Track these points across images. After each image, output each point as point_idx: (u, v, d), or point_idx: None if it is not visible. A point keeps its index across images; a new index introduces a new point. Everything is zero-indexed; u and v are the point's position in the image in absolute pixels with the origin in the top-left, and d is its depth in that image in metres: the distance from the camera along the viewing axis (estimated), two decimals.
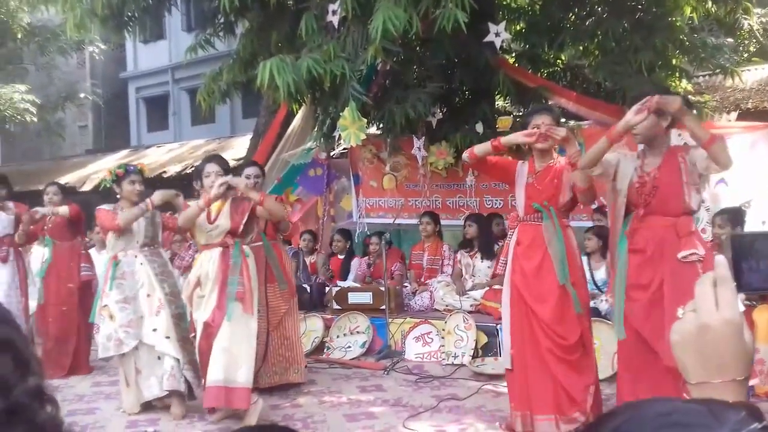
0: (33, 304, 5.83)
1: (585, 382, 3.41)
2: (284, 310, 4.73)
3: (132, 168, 4.49)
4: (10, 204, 5.67)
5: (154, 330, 4.20)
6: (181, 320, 4.30)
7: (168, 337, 4.19)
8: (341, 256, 7.03)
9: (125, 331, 4.18)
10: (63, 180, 12.44)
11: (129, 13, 6.35)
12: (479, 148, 3.59)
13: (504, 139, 3.55)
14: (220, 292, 3.93)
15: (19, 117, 12.76)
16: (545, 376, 3.42)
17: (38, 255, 6.21)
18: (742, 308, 0.76)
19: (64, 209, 5.53)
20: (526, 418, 3.47)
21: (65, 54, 13.43)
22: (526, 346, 3.49)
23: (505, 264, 3.73)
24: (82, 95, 14.99)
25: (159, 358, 4.22)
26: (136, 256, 4.35)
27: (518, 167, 3.67)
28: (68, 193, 5.95)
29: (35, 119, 13.09)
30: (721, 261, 0.77)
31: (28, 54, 13.55)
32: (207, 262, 4.01)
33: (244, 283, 3.96)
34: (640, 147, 3.32)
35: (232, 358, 3.85)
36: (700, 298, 0.76)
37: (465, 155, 3.66)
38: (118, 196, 4.47)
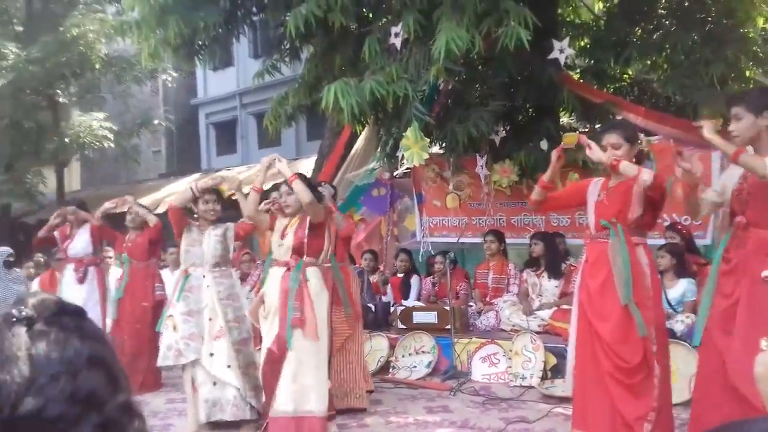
0: (109, 322, 6.08)
1: (643, 408, 3.25)
2: (347, 334, 4.71)
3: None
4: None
5: (211, 355, 4.21)
6: (245, 345, 4.30)
7: (229, 366, 4.19)
8: (401, 275, 7.04)
9: (186, 342, 4.21)
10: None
11: (200, 42, 6.61)
12: (535, 196, 3.64)
13: (545, 175, 3.60)
14: (281, 319, 3.90)
15: (97, 143, 13.41)
16: (603, 398, 3.31)
17: (115, 274, 6.49)
18: None
19: (152, 218, 5.78)
20: None
21: (140, 82, 14.04)
22: (588, 366, 3.40)
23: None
24: (155, 121, 15.63)
25: (215, 383, 4.21)
26: (204, 276, 4.38)
27: (591, 185, 3.60)
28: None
29: (112, 145, 13.72)
30: None
31: (106, 83, 14.24)
32: (271, 281, 4.05)
33: (302, 308, 3.87)
34: (750, 150, 3.16)
35: (300, 387, 3.80)
36: None
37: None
38: (195, 216, 4.59)
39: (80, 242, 6.12)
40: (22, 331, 0.71)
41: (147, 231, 5.88)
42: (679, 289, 5.14)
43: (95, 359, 0.73)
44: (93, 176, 19.57)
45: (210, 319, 4.29)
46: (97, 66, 12.85)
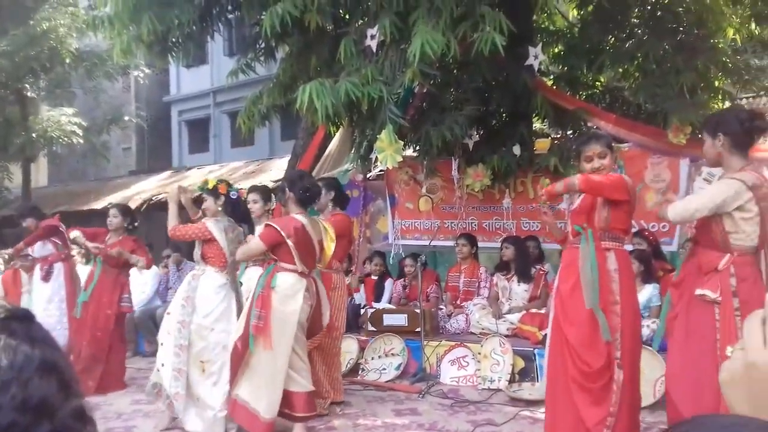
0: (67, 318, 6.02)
1: (602, 413, 3.29)
2: (315, 344, 4.54)
3: (233, 193, 4.58)
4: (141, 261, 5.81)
5: (161, 344, 4.41)
6: (181, 351, 4.30)
7: (163, 365, 4.30)
8: (374, 277, 7.03)
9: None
10: (107, 200, 12.74)
11: (173, 39, 6.52)
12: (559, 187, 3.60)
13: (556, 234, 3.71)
14: (246, 320, 3.98)
15: (66, 139, 13.15)
16: (568, 405, 3.35)
17: (84, 271, 6.38)
18: None
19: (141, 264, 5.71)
20: None
21: (111, 78, 13.83)
22: (558, 371, 3.44)
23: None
24: (126, 118, 15.41)
25: (158, 370, 4.41)
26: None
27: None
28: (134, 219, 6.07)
29: (81, 141, 13.48)
30: None
31: (76, 78, 13.99)
32: (249, 281, 4.11)
33: (264, 316, 3.91)
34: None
35: (256, 387, 3.94)
36: (749, 336, 0.74)
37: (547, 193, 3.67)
38: (204, 207, 4.56)
39: (39, 245, 6.11)
40: None
41: (126, 240, 5.74)
42: (645, 294, 5.22)
43: (46, 365, 0.71)
44: (60, 172, 19.24)
45: (168, 314, 4.50)
46: (68, 61, 12.61)
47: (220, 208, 4.50)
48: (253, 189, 5.08)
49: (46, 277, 6.13)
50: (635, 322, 3.48)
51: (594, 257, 3.38)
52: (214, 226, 4.40)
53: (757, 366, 0.73)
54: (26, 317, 0.74)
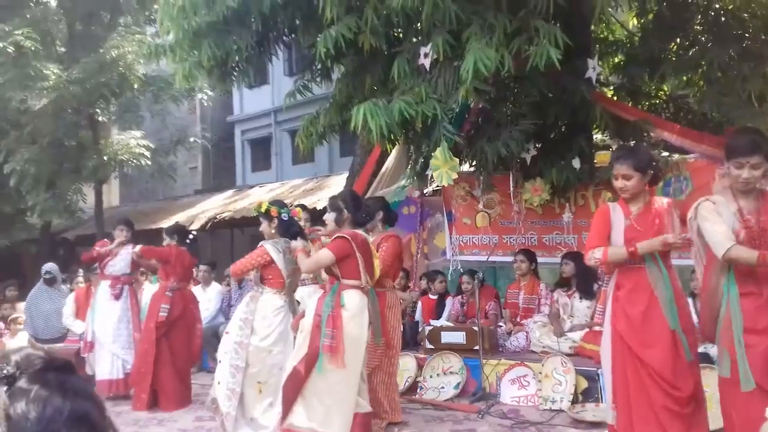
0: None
1: None
2: (374, 364, 4.54)
3: (285, 214, 4.60)
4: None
5: (219, 362, 4.47)
6: (237, 371, 4.37)
7: (219, 383, 4.38)
8: (433, 297, 6.99)
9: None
10: (174, 219, 13.16)
11: (233, 64, 6.71)
12: (613, 254, 3.38)
13: (640, 246, 3.32)
14: (312, 340, 3.89)
15: (135, 161, 13.69)
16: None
17: (149, 292, 6.63)
18: None
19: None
20: None
21: (177, 101, 14.31)
22: (632, 400, 3.26)
23: (603, 311, 3.53)
24: (192, 139, 15.91)
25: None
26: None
27: (611, 212, 3.48)
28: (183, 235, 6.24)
29: (149, 162, 13.99)
30: None
31: (144, 102, 14.55)
32: (311, 302, 4.09)
33: (334, 335, 3.83)
34: (726, 190, 3.15)
35: (326, 409, 3.82)
36: None
37: (594, 262, 3.47)
38: (261, 230, 4.69)
39: (121, 262, 6.30)
40: (1, 390, 0.70)
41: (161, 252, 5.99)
42: None
43: (77, 416, 0.72)
44: (131, 192, 20.02)
45: (226, 333, 4.59)
46: (136, 86, 13.13)
47: (274, 230, 4.58)
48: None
49: (118, 295, 6.35)
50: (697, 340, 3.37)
51: (668, 277, 3.29)
52: (272, 249, 4.48)
53: None
54: (64, 367, 0.76)
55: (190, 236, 6.14)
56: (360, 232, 4.17)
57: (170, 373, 5.73)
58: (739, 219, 3.02)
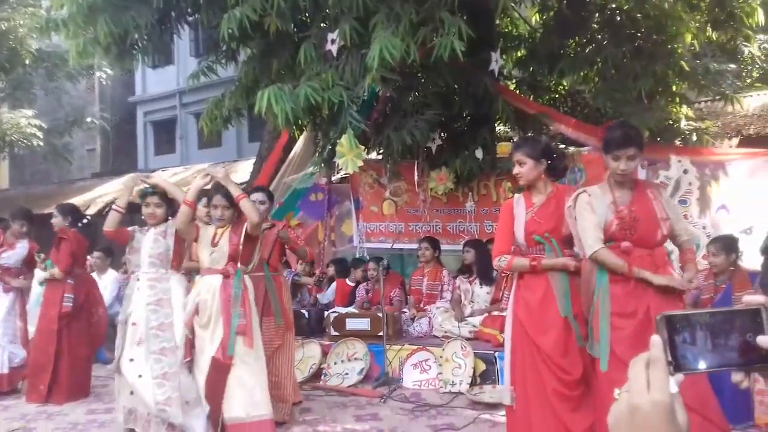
0: (32, 329, 5.86)
1: (588, 419, 3.30)
2: (277, 344, 4.61)
3: (147, 190, 4.43)
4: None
5: (131, 360, 4.12)
6: (167, 354, 4.12)
7: (140, 376, 4.07)
8: (351, 283, 7.01)
9: (116, 350, 4.22)
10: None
11: (132, 42, 6.42)
12: (517, 265, 3.51)
13: (544, 263, 3.44)
14: (225, 325, 3.86)
15: (25, 141, 12.89)
16: (547, 414, 3.32)
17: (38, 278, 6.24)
18: (675, 390, 0.76)
19: (55, 272, 5.51)
20: None
21: (73, 79, 13.59)
22: (529, 382, 3.39)
23: (509, 296, 3.66)
24: (89, 119, 15.15)
25: (131, 392, 4.12)
26: (138, 279, 4.30)
27: (514, 206, 3.59)
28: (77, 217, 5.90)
29: (41, 143, 13.22)
30: (656, 342, 0.77)
31: (37, 79, 13.72)
32: (206, 291, 3.95)
33: (246, 315, 3.90)
34: (604, 182, 3.33)
35: (248, 392, 3.81)
36: (633, 379, 0.76)
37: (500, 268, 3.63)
38: (143, 217, 4.48)
39: (16, 255, 5.88)
40: None
41: (61, 243, 5.62)
42: None
43: None
44: (22, 174, 18.87)
45: (134, 324, 4.19)
46: (28, 61, 12.39)
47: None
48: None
49: (9, 289, 5.95)
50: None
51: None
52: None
53: (639, 409, 0.75)
54: None
55: (85, 220, 5.81)
56: None
57: (68, 364, 5.44)
58: (612, 210, 3.20)
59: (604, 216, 3.20)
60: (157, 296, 4.26)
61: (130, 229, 4.46)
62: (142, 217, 4.45)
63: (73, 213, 5.75)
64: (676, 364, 0.77)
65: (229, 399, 3.77)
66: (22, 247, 5.89)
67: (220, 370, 3.82)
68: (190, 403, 4.03)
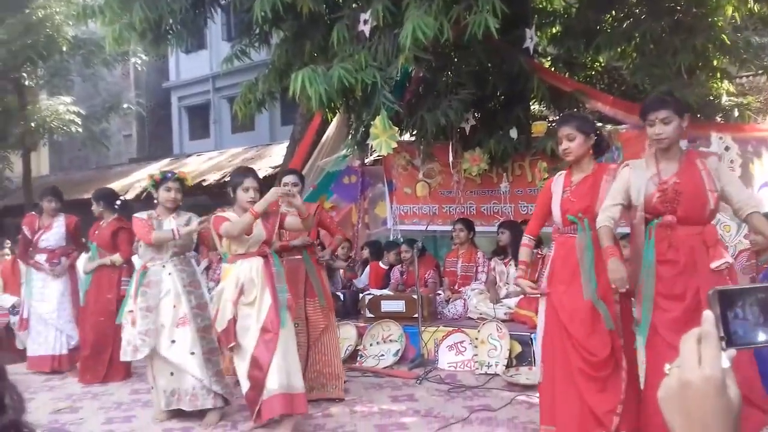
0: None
1: (612, 402, 3.28)
2: (323, 325, 4.72)
3: (170, 174, 4.51)
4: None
5: (173, 342, 4.22)
6: (207, 333, 4.28)
7: (193, 353, 4.20)
8: (384, 266, 7.03)
9: (142, 338, 4.22)
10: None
11: (167, 27, 6.47)
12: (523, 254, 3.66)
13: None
14: (273, 300, 3.95)
15: (64, 128, 13.12)
16: (572, 393, 3.32)
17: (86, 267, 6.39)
18: (727, 365, 0.74)
19: (116, 258, 5.63)
20: None
21: (109, 66, 13.75)
22: (557, 362, 3.40)
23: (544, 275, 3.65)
24: (125, 105, 15.35)
25: (172, 374, 4.25)
26: (164, 266, 4.38)
27: (553, 184, 3.56)
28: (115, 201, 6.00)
29: (80, 129, 13.45)
30: (708, 317, 0.76)
31: (74, 66, 13.93)
32: (248, 270, 3.99)
33: (289, 291, 4.07)
34: (650, 154, 3.25)
35: (288, 365, 3.91)
36: (684, 354, 0.75)
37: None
38: (155, 201, 4.53)
39: (55, 234, 6.03)
40: None
41: (113, 222, 5.73)
42: None
43: None
44: (61, 161, 19.26)
45: (174, 306, 4.29)
46: (65, 49, 12.56)
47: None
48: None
49: (56, 270, 6.10)
50: (630, 308, 3.45)
51: (593, 247, 3.35)
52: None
53: (691, 384, 0.74)
54: None
55: (118, 201, 5.88)
56: None
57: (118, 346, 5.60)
58: (655, 182, 3.13)
59: (644, 188, 3.13)
60: (190, 278, 4.42)
61: (146, 218, 4.46)
62: (155, 201, 4.53)
63: (105, 197, 5.83)
64: (729, 339, 0.75)
65: (271, 373, 3.84)
66: (58, 225, 6.02)
67: (268, 344, 3.88)
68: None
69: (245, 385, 3.94)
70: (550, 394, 3.43)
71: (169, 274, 4.36)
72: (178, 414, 4.33)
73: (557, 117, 7.21)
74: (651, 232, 3.15)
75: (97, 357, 5.53)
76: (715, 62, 6.74)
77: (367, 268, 7.21)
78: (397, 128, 5.58)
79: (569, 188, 3.47)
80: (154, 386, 4.36)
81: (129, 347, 4.27)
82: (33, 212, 6.27)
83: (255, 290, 3.96)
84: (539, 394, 3.62)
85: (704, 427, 0.72)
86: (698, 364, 0.73)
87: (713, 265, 3.00)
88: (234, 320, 3.94)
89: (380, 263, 7.14)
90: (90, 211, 5.77)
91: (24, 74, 12.80)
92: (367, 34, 5.38)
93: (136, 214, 4.53)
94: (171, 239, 4.36)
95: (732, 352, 0.75)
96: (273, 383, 3.82)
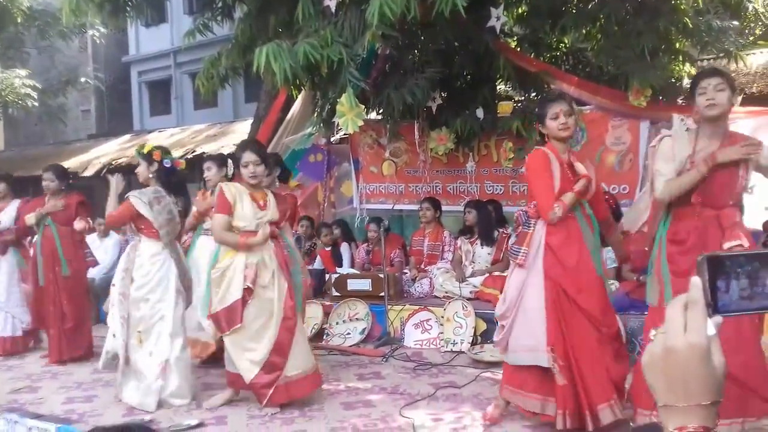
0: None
1: (625, 368, 3.46)
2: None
3: (167, 161, 4.41)
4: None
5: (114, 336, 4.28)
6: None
7: (114, 336, 4.25)
8: (328, 248, 7.00)
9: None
10: (65, 164, 12.37)
11: None
12: (569, 201, 3.40)
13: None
14: (288, 284, 4.00)
15: (20, 102, 12.70)
16: (599, 365, 3.35)
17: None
18: (712, 332, 0.74)
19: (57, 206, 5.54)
20: (573, 415, 3.32)
21: (66, 38, 13.32)
22: (572, 339, 3.36)
23: (527, 253, 3.45)
24: (83, 79, 14.90)
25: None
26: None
27: (550, 161, 3.46)
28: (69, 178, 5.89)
29: (36, 104, 13.03)
30: (696, 283, 0.75)
31: (29, 38, 13.45)
32: (260, 252, 3.97)
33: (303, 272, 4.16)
34: (693, 127, 3.20)
35: (304, 346, 4.08)
36: (669, 321, 0.75)
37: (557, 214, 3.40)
38: (136, 172, 4.45)
39: (5, 217, 5.88)
40: None
41: (71, 197, 5.62)
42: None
43: None
44: (17, 136, 18.69)
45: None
46: (19, 20, 12.11)
47: (151, 175, 4.38)
48: (209, 157, 5.04)
49: (3, 250, 5.96)
50: None
51: (596, 225, 3.49)
52: (138, 201, 4.25)
53: (675, 350, 0.74)
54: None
55: (70, 180, 5.83)
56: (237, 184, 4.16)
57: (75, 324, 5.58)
58: (688, 163, 3.10)
59: (682, 164, 3.11)
60: (126, 264, 4.35)
61: (135, 201, 4.31)
62: (136, 171, 4.48)
63: (66, 175, 5.82)
64: (715, 306, 0.75)
65: (292, 358, 3.95)
66: (10, 209, 5.90)
67: (290, 329, 3.97)
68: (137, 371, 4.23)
69: (251, 370, 3.92)
70: (569, 375, 3.33)
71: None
72: None
73: (522, 97, 7.24)
74: (670, 209, 3.18)
75: (81, 333, 5.52)
76: (677, 45, 6.81)
77: (345, 247, 7.11)
78: (363, 106, 5.52)
79: (562, 165, 3.46)
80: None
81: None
82: None
83: (267, 273, 3.95)
84: (536, 376, 3.43)
85: (687, 394, 0.73)
86: (683, 330, 0.73)
87: (726, 245, 2.99)
88: (244, 301, 3.90)
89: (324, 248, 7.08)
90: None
91: None
92: (333, 10, 5.30)
93: (133, 195, 4.36)
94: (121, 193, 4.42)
95: (718, 319, 0.75)
96: (293, 368, 3.95)
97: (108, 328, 4.35)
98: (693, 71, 7.24)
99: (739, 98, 8.32)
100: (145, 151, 4.38)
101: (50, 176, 5.60)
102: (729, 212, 3.09)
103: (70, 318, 5.49)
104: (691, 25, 6.52)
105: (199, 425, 3.77)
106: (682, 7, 6.62)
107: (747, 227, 4.76)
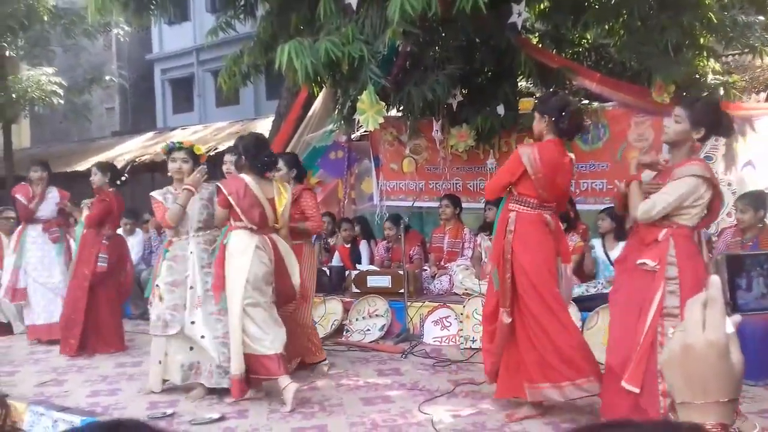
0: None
1: (577, 337, 3.74)
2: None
3: (172, 145, 4.45)
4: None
5: (192, 323, 4.22)
6: (223, 315, 4.16)
7: (203, 337, 4.19)
8: (347, 245, 7.02)
9: (170, 314, 4.23)
10: (90, 162, 12.56)
11: None
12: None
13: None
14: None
15: (46, 99, 12.88)
16: (567, 330, 3.64)
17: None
18: (731, 330, 0.74)
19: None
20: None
21: (91, 36, 13.47)
22: (629, 333, 3.39)
23: None
24: (108, 77, 15.08)
25: (191, 348, 4.27)
26: (188, 243, 4.36)
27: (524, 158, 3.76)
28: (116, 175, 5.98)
29: (62, 101, 13.22)
30: (714, 281, 0.75)
31: (55, 36, 13.63)
32: (264, 246, 4.14)
33: (219, 274, 4.15)
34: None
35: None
36: (689, 319, 0.75)
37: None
38: (169, 174, 4.50)
39: (49, 205, 6.11)
40: None
41: (98, 202, 5.70)
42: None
43: None
44: (43, 133, 18.97)
45: (191, 287, 4.29)
46: (45, 18, 12.28)
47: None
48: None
49: (57, 238, 6.20)
50: (530, 278, 3.61)
51: (497, 218, 3.82)
52: (160, 197, 4.44)
53: (693, 348, 0.74)
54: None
55: (122, 178, 5.87)
56: (244, 176, 4.15)
57: (102, 319, 5.62)
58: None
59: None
60: (210, 259, 4.34)
61: (161, 197, 4.41)
62: (169, 174, 4.48)
63: (113, 171, 5.86)
64: (734, 304, 0.76)
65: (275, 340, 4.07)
66: (51, 197, 6.18)
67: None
68: None
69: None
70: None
71: (191, 252, 4.33)
72: (165, 389, 4.36)
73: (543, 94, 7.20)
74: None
75: (68, 331, 5.54)
76: (701, 40, 6.72)
77: (363, 245, 7.13)
78: (383, 103, 5.54)
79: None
80: (161, 361, 4.33)
81: (159, 322, 4.27)
82: (25, 183, 6.29)
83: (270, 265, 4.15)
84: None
85: (705, 391, 0.73)
86: (702, 328, 0.74)
87: (639, 261, 3.24)
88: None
89: (344, 244, 7.08)
90: (74, 184, 5.76)
91: (4, 44, 12.51)
92: (354, 7, 5.32)
93: (152, 193, 4.48)
94: (182, 212, 4.30)
95: (737, 317, 0.75)
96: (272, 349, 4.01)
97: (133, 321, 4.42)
98: (717, 67, 7.15)
99: (764, 95, 8.23)
100: (194, 149, 4.48)
101: (94, 170, 5.72)
102: (648, 228, 3.24)
103: (63, 317, 5.62)
104: (715, 21, 6.43)
105: (221, 419, 3.81)
106: (706, 2, 6.53)
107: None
